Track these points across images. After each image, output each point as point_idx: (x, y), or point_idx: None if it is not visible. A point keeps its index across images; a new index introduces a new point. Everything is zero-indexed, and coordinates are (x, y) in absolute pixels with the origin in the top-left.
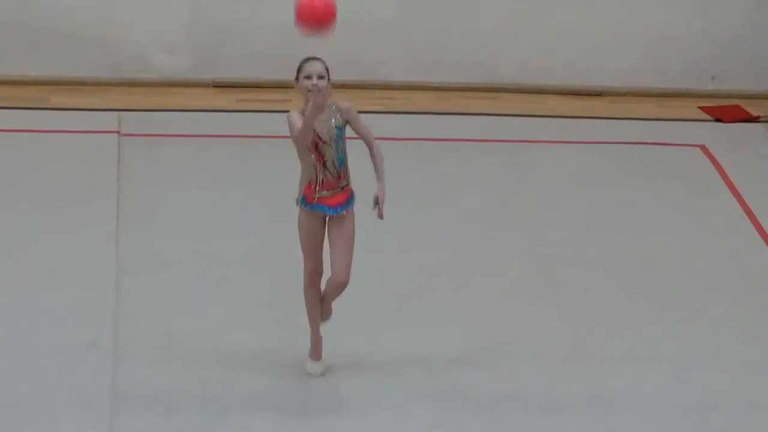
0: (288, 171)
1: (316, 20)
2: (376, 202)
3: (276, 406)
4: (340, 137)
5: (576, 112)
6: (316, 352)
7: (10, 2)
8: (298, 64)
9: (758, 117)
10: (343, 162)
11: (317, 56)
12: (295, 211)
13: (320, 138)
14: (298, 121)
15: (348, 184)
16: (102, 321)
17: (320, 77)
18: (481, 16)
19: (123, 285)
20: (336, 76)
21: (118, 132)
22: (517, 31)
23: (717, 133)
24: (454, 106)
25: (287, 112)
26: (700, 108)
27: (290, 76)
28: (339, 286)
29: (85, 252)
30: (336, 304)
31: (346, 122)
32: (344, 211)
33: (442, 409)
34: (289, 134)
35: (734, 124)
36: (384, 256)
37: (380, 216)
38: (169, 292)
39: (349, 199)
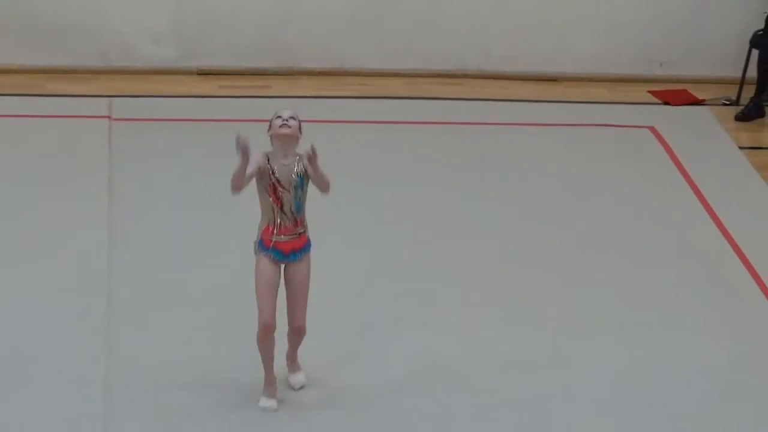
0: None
1: None
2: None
3: (257, 365)
4: (300, 186)
5: (535, 96)
6: (270, 390)
7: None
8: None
9: (703, 100)
10: (300, 209)
11: (290, 108)
12: None
13: (279, 183)
14: (252, 158)
15: (305, 232)
16: (95, 291)
17: (291, 118)
18: (448, 8)
19: (115, 258)
20: (313, 65)
21: (109, 117)
22: (481, 22)
23: (665, 116)
24: (422, 92)
25: (264, 97)
26: (649, 92)
27: (269, 64)
28: (296, 331)
29: (79, 228)
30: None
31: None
32: (298, 259)
33: (409, 368)
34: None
35: (681, 107)
36: (357, 230)
37: (312, 152)
38: (158, 264)
39: (305, 246)
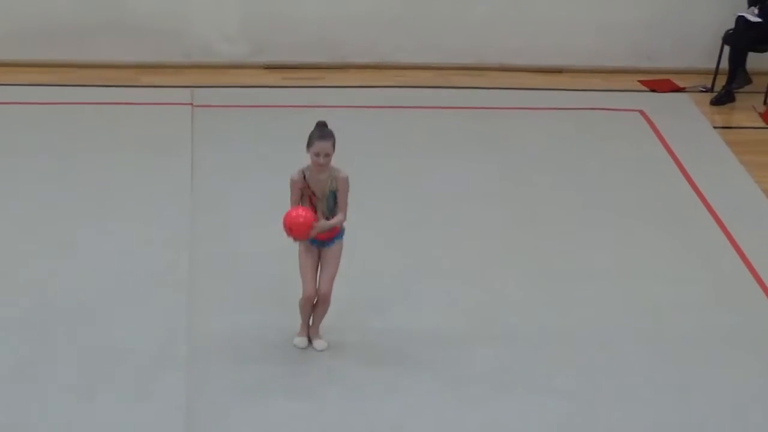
0: None
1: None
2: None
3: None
4: (332, 197)
5: (544, 85)
6: (302, 332)
7: (106, 5)
8: (309, 135)
9: (684, 88)
10: (332, 212)
11: (326, 133)
12: None
13: (314, 194)
14: (294, 185)
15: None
16: (181, 247)
17: (326, 155)
18: (472, 11)
19: (197, 220)
20: (360, 59)
21: (191, 104)
22: (500, 23)
23: (652, 101)
24: (450, 82)
25: (319, 87)
26: (639, 81)
27: (323, 59)
28: (323, 297)
29: (167, 195)
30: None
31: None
32: (333, 244)
33: (437, 315)
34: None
35: (666, 94)
36: (395, 197)
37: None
38: (234, 225)
39: (337, 235)
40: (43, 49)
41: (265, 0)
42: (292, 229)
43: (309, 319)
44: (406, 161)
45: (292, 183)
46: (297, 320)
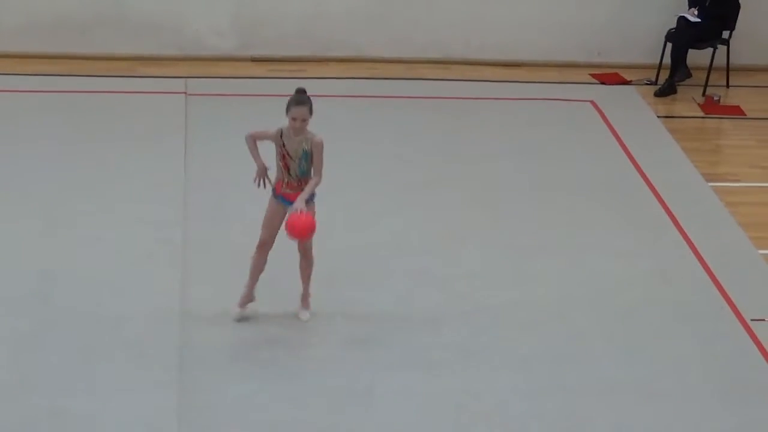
0: None
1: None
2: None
3: (295, 279)
4: (304, 158)
5: (504, 77)
6: (242, 301)
7: (108, 2)
8: (288, 100)
9: (631, 81)
10: (304, 174)
11: (303, 99)
12: None
13: (288, 154)
14: (267, 132)
15: None
16: (174, 225)
17: (302, 120)
18: (439, 10)
19: (190, 199)
20: (338, 53)
21: (185, 93)
22: (464, 21)
23: (602, 93)
24: (419, 74)
25: (301, 78)
26: (590, 75)
27: (305, 53)
28: (305, 253)
29: (162, 176)
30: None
31: (312, 151)
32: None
33: (409, 288)
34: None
35: (614, 86)
36: (366, 177)
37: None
38: (225, 203)
39: (309, 198)
40: (50, 41)
41: None
42: (296, 229)
43: (257, 277)
44: (379, 146)
45: (266, 130)
46: (281, 290)
